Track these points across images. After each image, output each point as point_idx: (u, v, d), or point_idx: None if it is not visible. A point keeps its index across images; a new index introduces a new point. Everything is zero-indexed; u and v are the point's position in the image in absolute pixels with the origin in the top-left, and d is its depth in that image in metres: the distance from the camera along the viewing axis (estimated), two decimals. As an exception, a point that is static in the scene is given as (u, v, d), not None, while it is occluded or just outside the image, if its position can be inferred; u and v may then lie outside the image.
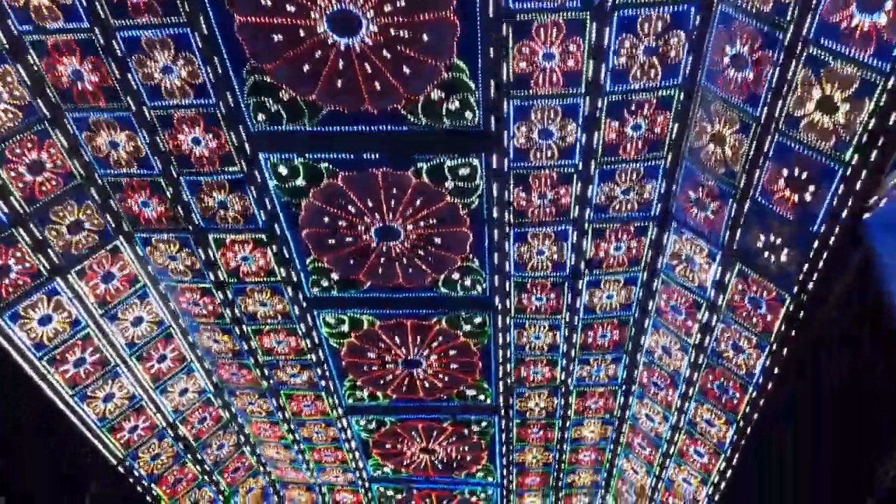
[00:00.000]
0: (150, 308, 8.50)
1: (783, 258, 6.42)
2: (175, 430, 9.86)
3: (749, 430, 8.31)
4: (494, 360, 9.21)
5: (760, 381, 7.58)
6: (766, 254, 6.56)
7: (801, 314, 6.62)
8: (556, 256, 7.73)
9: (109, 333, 8.25)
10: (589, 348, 9.04)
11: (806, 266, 6.19)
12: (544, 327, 8.70)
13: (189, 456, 10.33)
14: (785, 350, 7.05)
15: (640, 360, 9.13)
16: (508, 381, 9.58)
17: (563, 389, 9.72)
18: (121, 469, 9.53)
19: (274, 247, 7.72)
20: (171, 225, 7.60)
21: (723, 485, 9.27)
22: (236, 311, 8.57)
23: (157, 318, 8.64)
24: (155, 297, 8.42)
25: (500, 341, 8.91)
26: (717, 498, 9.46)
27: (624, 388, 9.67)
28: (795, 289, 6.44)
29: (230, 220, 7.47)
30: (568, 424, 10.35)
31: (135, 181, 7.21)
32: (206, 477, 10.86)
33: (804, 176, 5.76)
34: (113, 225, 7.60)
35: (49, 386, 8.06)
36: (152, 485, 10.17)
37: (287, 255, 7.82)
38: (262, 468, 11.77)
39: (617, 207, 7.21)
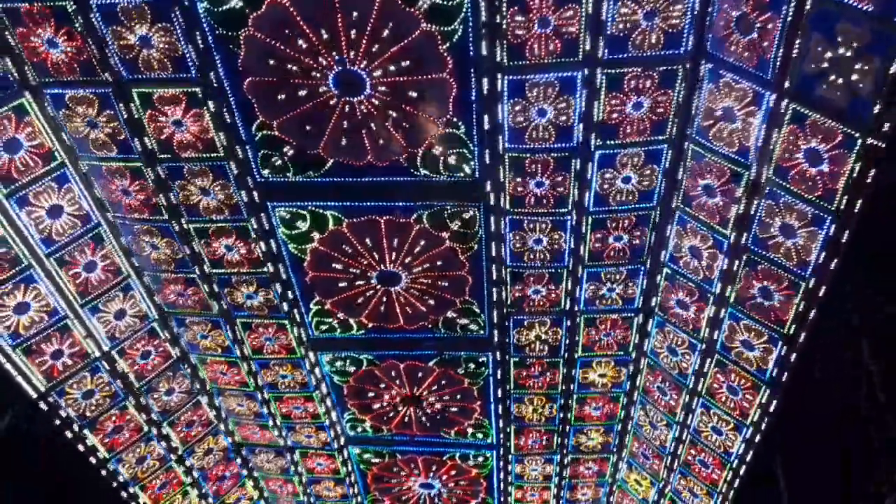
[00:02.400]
0: (70, 196, 7.04)
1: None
2: (111, 362, 8.35)
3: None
4: (486, 274, 7.69)
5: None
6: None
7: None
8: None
9: (16, 219, 6.79)
10: (600, 258, 7.51)
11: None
12: (546, 226, 7.19)
13: (131, 399, 8.79)
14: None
15: (661, 273, 7.58)
16: (504, 305, 8.05)
17: (568, 317, 8.17)
18: (42, 405, 8.01)
19: (210, 104, 6.26)
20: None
21: (763, 424, 7.68)
22: (172, 197, 7.09)
23: (81, 210, 7.18)
24: (75, 180, 6.96)
25: (494, 250, 7.40)
26: (756, 440, 7.86)
27: (641, 313, 8.12)
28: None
29: (155, 66, 6.05)
30: (574, 363, 8.78)
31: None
32: (153, 429, 9.30)
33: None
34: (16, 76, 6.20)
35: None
36: (85, 430, 8.63)
37: (229, 121, 6.38)
38: (222, 425, 10.21)
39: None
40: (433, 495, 11.32)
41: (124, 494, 9.43)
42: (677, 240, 7.11)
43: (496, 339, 8.47)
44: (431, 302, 8.07)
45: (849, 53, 4.89)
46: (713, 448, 8.59)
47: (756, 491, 8.74)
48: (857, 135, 5.12)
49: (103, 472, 8.99)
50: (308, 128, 6.30)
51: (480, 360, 8.83)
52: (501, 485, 10.88)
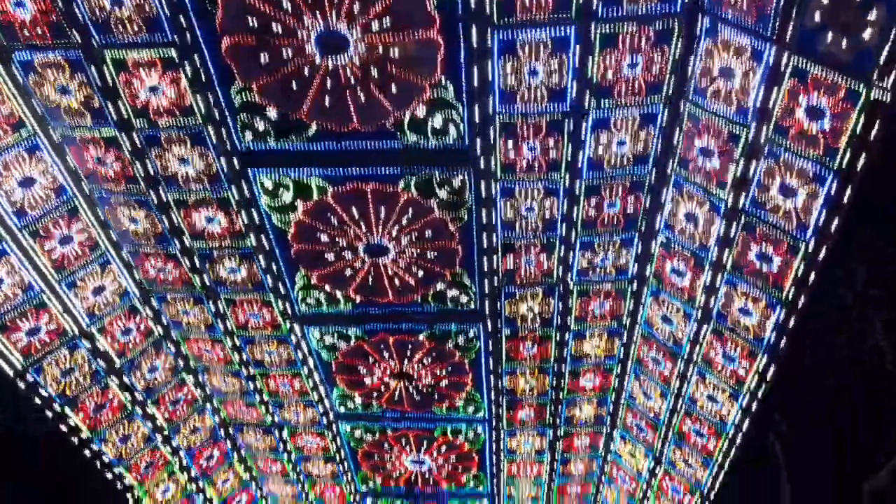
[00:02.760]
0: (42, 166, 6.74)
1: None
2: (91, 340, 8.09)
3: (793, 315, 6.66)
4: (477, 245, 7.48)
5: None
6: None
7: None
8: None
9: (-14, 190, 6.52)
10: (594, 225, 7.31)
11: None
12: (538, 193, 6.98)
13: (113, 377, 8.55)
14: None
15: (656, 240, 7.40)
16: (495, 276, 7.85)
17: (560, 288, 7.99)
18: (20, 384, 7.76)
19: (187, 67, 5.97)
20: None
21: (760, 391, 7.55)
22: (149, 166, 6.81)
23: (54, 181, 6.89)
24: (46, 148, 6.66)
25: (484, 219, 7.18)
26: (754, 408, 7.74)
27: (635, 283, 7.94)
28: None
29: (128, 27, 5.74)
30: (567, 334, 8.61)
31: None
32: (136, 407, 9.08)
33: None
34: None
35: None
36: (66, 408, 8.39)
37: (207, 84, 6.09)
38: (207, 403, 10.00)
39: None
40: (424, 471, 11.19)
41: (109, 476, 9.22)
42: (673, 205, 6.92)
43: (487, 311, 8.28)
44: (421, 274, 7.86)
45: (853, 3, 4.69)
46: (709, 417, 8.48)
47: (752, 466, 8.64)
48: (862, 88, 4.92)
49: (86, 452, 8.76)
50: (290, 91, 6.02)
51: (471, 333, 8.65)
52: (494, 459, 10.75)
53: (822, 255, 5.99)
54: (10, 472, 8.13)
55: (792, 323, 6.68)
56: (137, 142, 6.57)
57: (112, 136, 6.52)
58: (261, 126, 6.34)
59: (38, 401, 8.00)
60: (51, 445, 8.32)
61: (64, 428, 8.44)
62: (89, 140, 6.60)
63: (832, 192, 5.51)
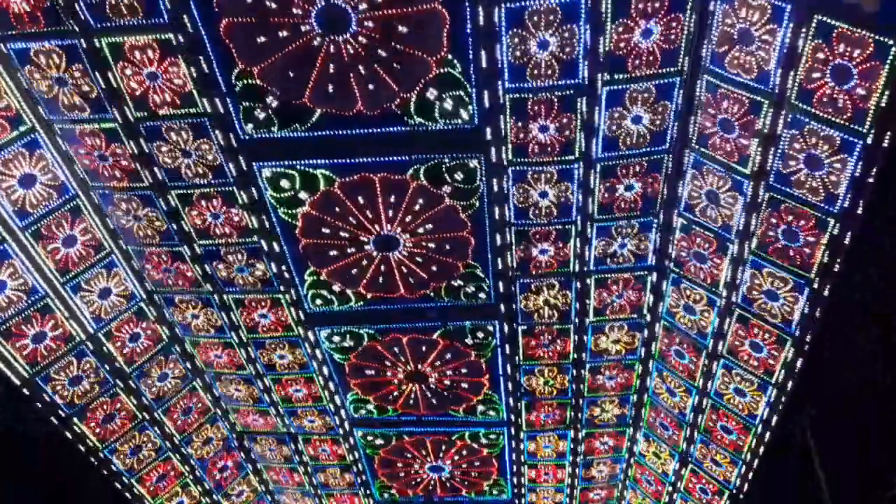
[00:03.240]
0: (43, 164, 6.60)
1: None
2: (98, 345, 7.90)
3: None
4: (490, 234, 7.24)
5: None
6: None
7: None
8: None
9: (-15, 190, 6.37)
10: (610, 210, 7.05)
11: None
12: (551, 176, 6.74)
13: (119, 382, 8.34)
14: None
15: (676, 224, 7.12)
16: (509, 267, 7.60)
17: (577, 278, 7.72)
18: (25, 391, 7.57)
19: (186, 51, 5.81)
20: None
21: (790, 383, 7.22)
22: (157, 171, 6.65)
23: (56, 179, 6.74)
24: (47, 146, 6.51)
25: (496, 206, 6.94)
26: (783, 397, 7.40)
27: (655, 271, 7.66)
28: None
29: (123, 11, 5.59)
30: (586, 329, 8.32)
31: None
32: (145, 414, 8.86)
33: None
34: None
35: None
36: (74, 418, 8.19)
37: (207, 70, 5.92)
38: (219, 412, 9.77)
39: None
40: (443, 478, 10.88)
41: (118, 485, 8.99)
42: (692, 185, 6.65)
43: (502, 306, 8.02)
44: (433, 268, 7.63)
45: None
46: (736, 412, 8.14)
47: (782, 459, 8.27)
48: (892, 42, 4.67)
49: (94, 462, 8.54)
50: (292, 74, 5.85)
51: (487, 329, 8.38)
52: (514, 463, 10.43)
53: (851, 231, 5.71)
54: (10, 472, 7.93)
55: (819, 308, 6.39)
56: (137, 134, 6.40)
57: (112, 128, 6.35)
58: (263, 114, 6.16)
59: (39, 405, 7.79)
60: (51, 445, 8.10)
61: (70, 436, 8.23)
62: (88, 133, 6.44)
63: (862, 158, 5.23)
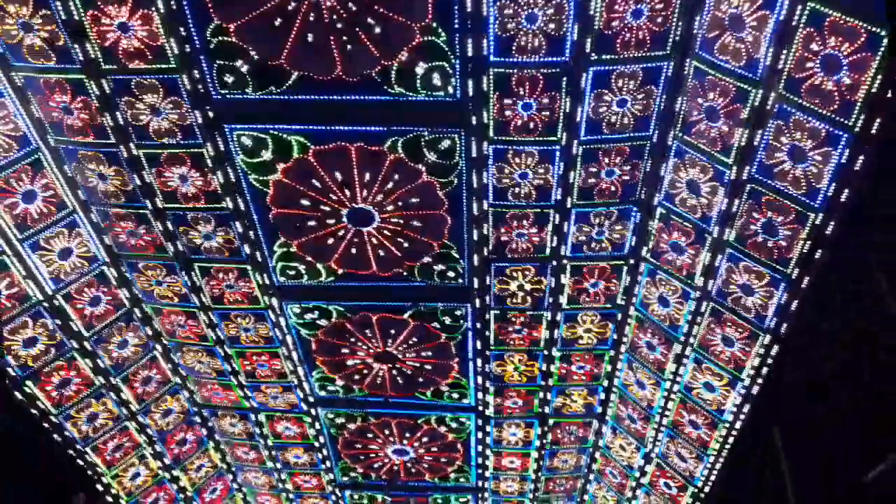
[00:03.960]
0: (4, 113, 6.31)
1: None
2: (55, 306, 7.63)
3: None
4: (467, 213, 7.08)
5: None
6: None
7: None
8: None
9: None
10: (590, 196, 6.93)
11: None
12: (532, 158, 6.60)
13: (74, 343, 8.06)
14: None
15: (654, 213, 7.02)
16: (485, 249, 7.45)
17: (553, 263, 7.59)
18: (-25, 352, 7.31)
19: (160, 2, 5.56)
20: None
21: (760, 378, 7.17)
22: (119, 116, 6.38)
23: (16, 129, 6.45)
24: (9, 94, 6.22)
25: (475, 181, 6.77)
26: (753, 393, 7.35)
27: (631, 259, 7.56)
28: None
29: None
30: (559, 316, 8.21)
31: None
32: (102, 378, 8.59)
33: None
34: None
35: None
36: (27, 382, 7.92)
37: (181, 23, 5.68)
38: (179, 382, 9.53)
39: None
40: (407, 462, 10.75)
41: (72, 452, 8.74)
42: (674, 173, 6.55)
43: (476, 288, 7.88)
44: (407, 245, 7.45)
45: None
46: (705, 406, 8.09)
47: (751, 457, 8.25)
48: (883, 32, 4.57)
49: (46, 426, 8.29)
50: (269, 32, 5.62)
51: (458, 312, 8.24)
52: (480, 450, 10.32)
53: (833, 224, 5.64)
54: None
55: (795, 302, 6.33)
56: (106, 87, 6.15)
57: (78, 79, 6.09)
58: (238, 74, 5.93)
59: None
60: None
61: (22, 399, 7.97)
62: (54, 84, 6.16)
63: (846, 152, 5.15)
